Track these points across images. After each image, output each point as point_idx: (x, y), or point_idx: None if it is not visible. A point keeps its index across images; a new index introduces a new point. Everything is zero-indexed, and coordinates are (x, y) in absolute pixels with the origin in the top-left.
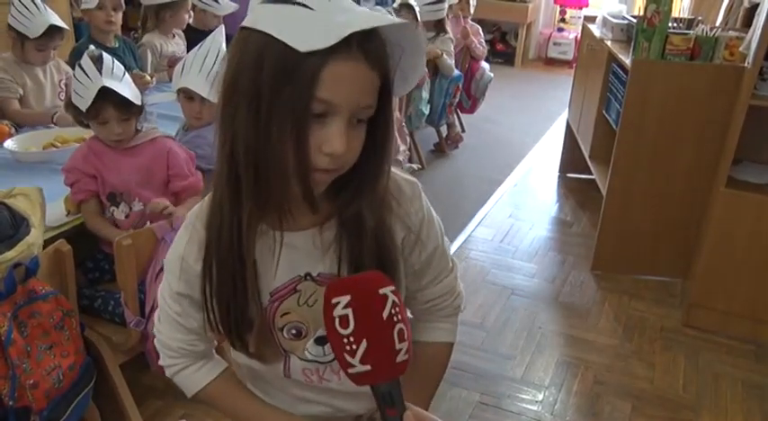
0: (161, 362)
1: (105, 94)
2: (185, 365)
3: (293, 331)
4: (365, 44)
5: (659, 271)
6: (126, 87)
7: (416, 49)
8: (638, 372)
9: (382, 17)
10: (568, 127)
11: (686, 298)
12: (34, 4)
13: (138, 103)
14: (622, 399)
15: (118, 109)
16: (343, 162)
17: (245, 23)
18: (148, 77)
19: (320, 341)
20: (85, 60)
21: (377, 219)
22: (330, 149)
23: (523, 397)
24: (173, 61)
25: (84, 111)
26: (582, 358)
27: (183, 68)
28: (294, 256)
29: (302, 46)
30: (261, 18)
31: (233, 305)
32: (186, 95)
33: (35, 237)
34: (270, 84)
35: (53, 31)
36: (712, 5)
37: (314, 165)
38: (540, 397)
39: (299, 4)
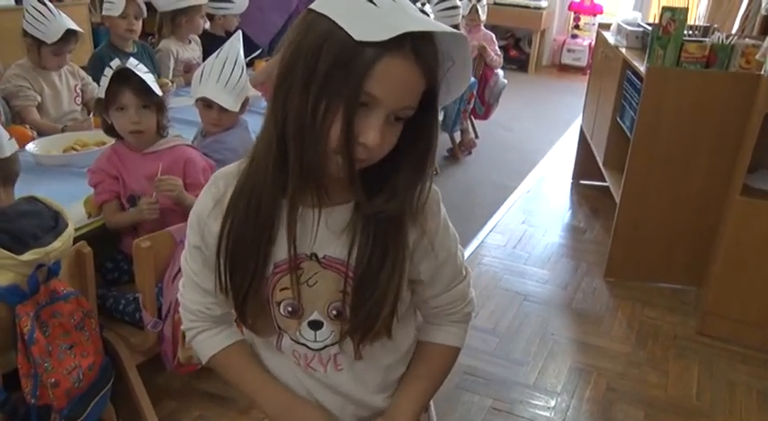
0: (182, 327)
1: (124, 79)
2: (202, 329)
3: (289, 308)
4: (418, 47)
5: (673, 278)
6: (146, 78)
7: (465, 63)
8: (651, 380)
9: (439, 24)
10: (582, 134)
11: (700, 306)
12: (49, 9)
13: (159, 93)
14: (635, 407)
15: (136, 94)
16: (374, 154)
17: (313, 6)
18: (168, 81)
19: (313, 325)
20: (114, 61)
21: (413, 222)
22: (364, 140)
23: (536, 403)
24: (189, 67)
25: (104, 99)
26: (594, 365)
27: (201, 77)
28: (305, 234)
29: (358, 35)
30: (328, 3)
31: (248, 271)
32: (205, 103)
33: (73, 230)
34: (325, 69)
35: (69, 35)
36: (728, 13)
37: None
38: (553, 403)
39: None
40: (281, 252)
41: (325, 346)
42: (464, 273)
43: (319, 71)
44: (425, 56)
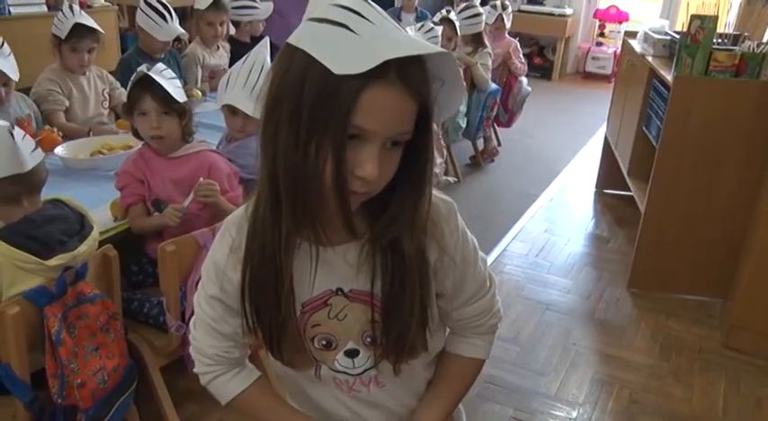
0: (196, 370)
1: (146, 85)
2: (220, 373)
3: (323, 342)
4: (404, 71)
5: (698, 290)
6: (169, 84)
7: (455, 83)
8: (675, 393)
9: (420, 45)
10: (606, 142)
11: (726, 318)
12: (71, 10)
13: (181, 100)
14: (659, 420)
15: (156, 100)
16: (375, 186)
17: (290, 40)
18: (198, 92)
19: (350, 353)
20: (142, 65)
21: (414, 245)
22: (362, 174)
23: (557, 413)
24: (214, 73)
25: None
26: (617, 376)
27: (227, 84)
28: (327, 271)
29: (338, 69)
30: (306, 36)
31: (270, 313)
32: (230, 109)
33: (97, 233)
34: (309, 106)
35: (82, 31)
36: (759, 20)
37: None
38: (574, 414)
39: (343, 26)
40: (305, 292)
41: (365, 370)
42: (488, 284)
43: (304, 109)
44: (413, 79)
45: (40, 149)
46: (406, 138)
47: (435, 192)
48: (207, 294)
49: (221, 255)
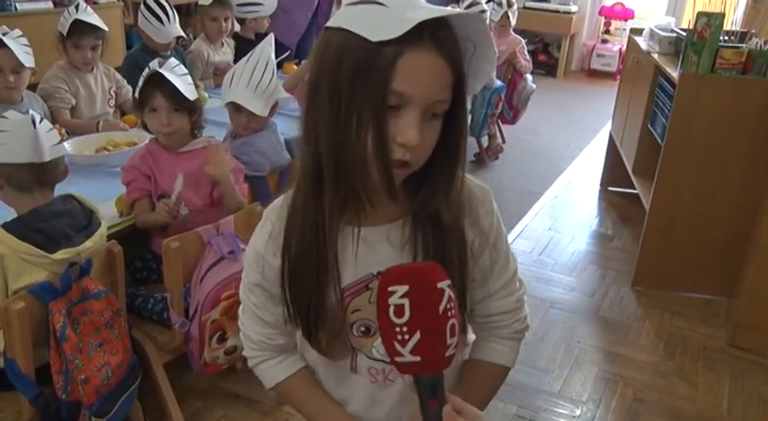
0: (244, 353)
1: (157, 82)
2: (265, 358)
3: (362, 328)
4: (437, 35)
5: (703, 288)
6: (180, 82)
7: (486, 42)
8: (679, 392)
9: (450, 10)
10: (611, 140)
11: (731, 317)
12: (76, 8)
13: (191, 98)
14: (663, 418)
15: (166, 97)
16: (417, 155)
17: (327, 24)
18: (206, 95)
19: None
20: (155, 61)
21: (453, 219)
22: (403, 140)
23: (561, 411)
24: (219, 69)
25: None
26: (621, 374)
27: (231, 81)
28: (368, 253)
29: (373, 36)
30: (342, 17)
31: (309, 298)
32: (234, 107)
33: (105, 229)
34: (349, 77)
35: (84, 28)
36: (766, 18)
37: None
38: (578, 412)
39: (376, 2)
40: (347, 276)
41: None
42: (517, 285)
43: (343, 82)
44: (446, 43)
45: (62, 145)
46: (444, 109)
47: (472, 178)
48: (250, 282)
49: (261, 242)
